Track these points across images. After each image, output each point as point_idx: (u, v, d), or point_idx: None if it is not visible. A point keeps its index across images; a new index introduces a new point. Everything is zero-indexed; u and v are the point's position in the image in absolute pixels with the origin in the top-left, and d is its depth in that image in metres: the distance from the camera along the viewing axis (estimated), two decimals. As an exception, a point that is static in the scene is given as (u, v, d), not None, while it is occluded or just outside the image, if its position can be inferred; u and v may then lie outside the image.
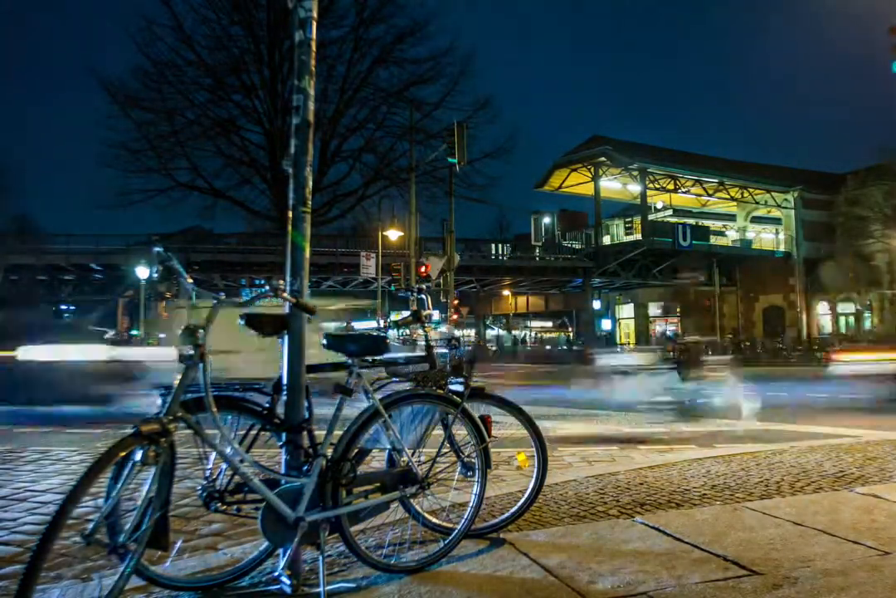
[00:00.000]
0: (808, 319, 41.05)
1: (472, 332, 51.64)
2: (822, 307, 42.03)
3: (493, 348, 44.13)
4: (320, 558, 2.31)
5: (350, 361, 2.61)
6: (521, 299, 53.71)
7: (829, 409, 9.12)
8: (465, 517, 2.79)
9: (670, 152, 42.58)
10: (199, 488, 2.34)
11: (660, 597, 2.24)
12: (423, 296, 3.47)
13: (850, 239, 36.51)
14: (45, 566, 1.79)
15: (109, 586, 2.03)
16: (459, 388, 2.91)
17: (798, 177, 43.43)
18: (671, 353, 7.94)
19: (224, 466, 2.33)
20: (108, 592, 2.02)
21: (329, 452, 2.47)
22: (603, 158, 40.65)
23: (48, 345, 8.86)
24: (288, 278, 2.58)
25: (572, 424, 7.62)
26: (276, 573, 2.29)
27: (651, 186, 41.09)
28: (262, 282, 37.06)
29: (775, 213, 44.57)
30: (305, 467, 2.42)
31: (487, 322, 56.96)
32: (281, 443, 2.50)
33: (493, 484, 3.41)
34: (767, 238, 47.28)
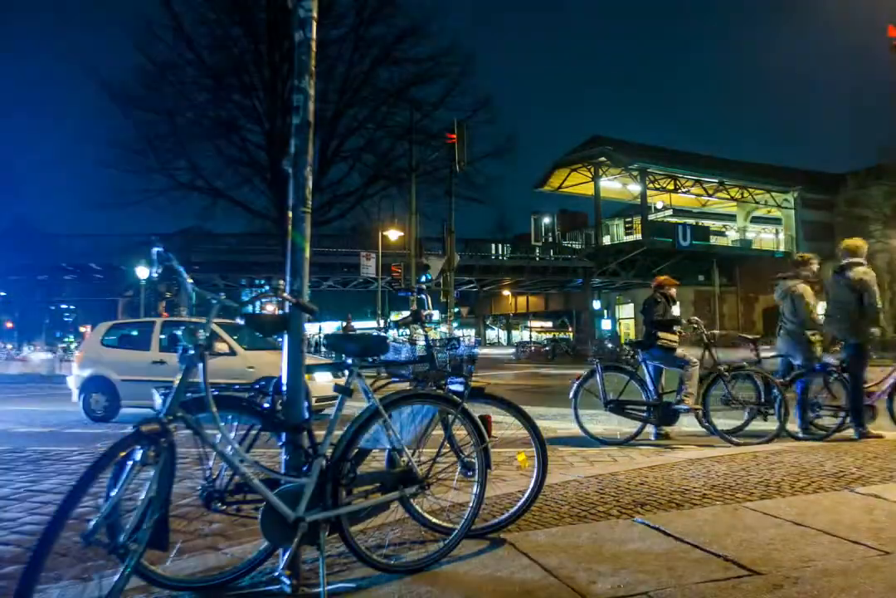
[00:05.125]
0: (808, 319, 40.99)
1: (471, 332, 51.61)
2: (821, 307, 41.99)
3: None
4: (320, 558, 2.30)
5: (350, 361, 2.61)
6: (521, 299, 53.75)
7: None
8: (466, 516, 2.79)
9: (670, 152, 42.56)
10: (199, 488, 2.34)
11: (660, 597, 2.24)
12: (424, 296, 3.47)
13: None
14: (46, 565, 1.78)
15: (109, 586, 2.03)
16: (459, 388, 2.91)
17: (798, 177, 43.42)
18: None
19: (224, 466, 2.33)
20: (108, 592, 2.01)
21: (329, 452, 2.46)
22: (603, 158, 40.65)
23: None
24: (288, 278, 2.58)
25: (573, 423, 7.61)
26: (276, 573, 2.29)
27: (651, 186, 41.09)
28: (262, 282, 37.08)
29: (775, 213, 44.57)
30: (305, 468, 2.42)
31: (487, 322, 56.95)
32: (281, 443, 2.50)
33: (494, 484, 3.41)
34: (767, 238, 47.31)
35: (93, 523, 1.94)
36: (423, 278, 19.63)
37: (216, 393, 2.28)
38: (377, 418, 2.59)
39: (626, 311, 48.00)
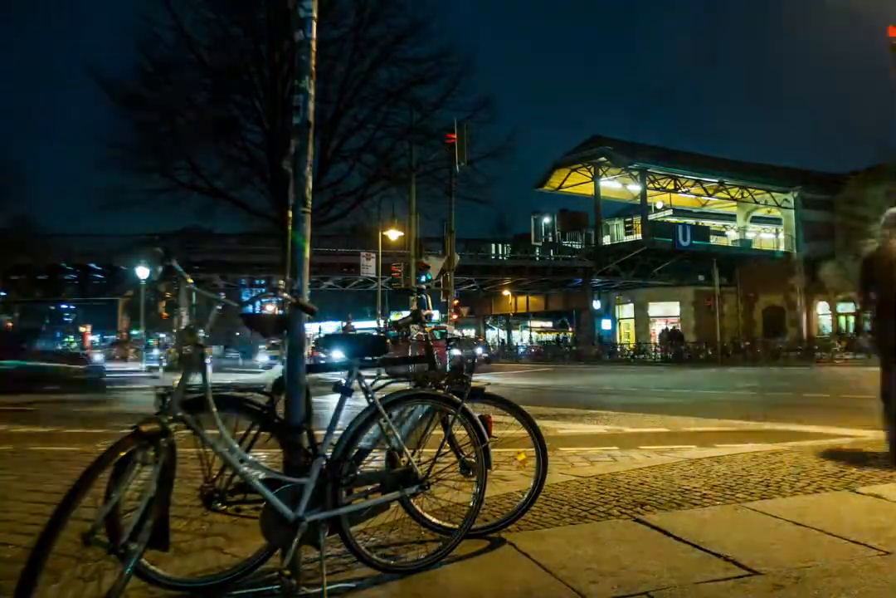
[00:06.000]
0: (808, 319, 41.02)
1: (472, 332, 51.59)
2: (821, 307, 41.99)
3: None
4: (320, 558, 2.30)
5: (350, 361, 2.61)
6: (521, 299, 53.71)
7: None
8: (466, 517, 2.79)
9: (670, 152, 42.53)
10: (199, 488, 2.34)
11: (660, 597, 2.24)
12: (424, 296, 3.47)
13: (850, 239, 36.48)
14: (46, 566, 1.78)
15: (109, 586, 2.03)
16: (459, 388, 2.90)
17: (798, 177, 43.38)
18: None
19: (224, 466, 2.32)
20: (108, 592, 2.01)
21: (329, 452, 2.46)
22: (603, 158, 40.63)
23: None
24: (288, 278, 2.58)
25: (573, 423, 7.62)
26: (277, 573, 2.29)
27: (651, 186, 41.08)
28: (262, 282, 37.11)
29: (775, 213, 44.54)
30: (305, 468, 2.42)
31: (487, 322, 56.93)
32: (281, 443, 2.50)
33: (494, 484, 3.40)
34: (767, 238, 47.30)
35: (93, 523, 1.94)
36: (423, 278, 19.64)
37: (216, 393, 2.28)
38: (377, 418, 2.59)
39: (626, 311, 47.95)
